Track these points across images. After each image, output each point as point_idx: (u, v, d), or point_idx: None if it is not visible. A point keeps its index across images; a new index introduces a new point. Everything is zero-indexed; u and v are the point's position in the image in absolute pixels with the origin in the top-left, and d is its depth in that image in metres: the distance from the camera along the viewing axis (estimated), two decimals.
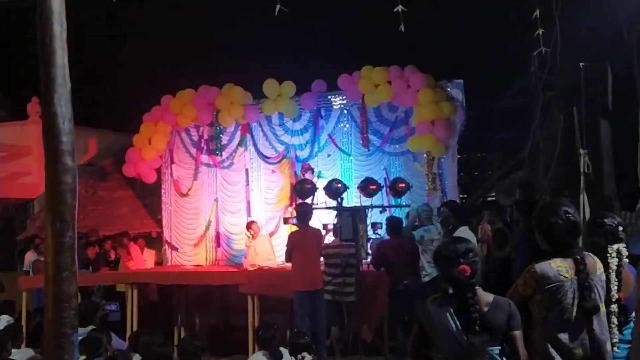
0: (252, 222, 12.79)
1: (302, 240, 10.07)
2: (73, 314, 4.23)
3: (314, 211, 10.76)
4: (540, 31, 7.66)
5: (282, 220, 12.80)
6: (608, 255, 4.56)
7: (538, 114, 9.59)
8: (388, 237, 10.43)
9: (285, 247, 10.38)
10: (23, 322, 11.46)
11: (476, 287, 4.00)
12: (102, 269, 12.79)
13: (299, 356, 5.95)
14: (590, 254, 4.39)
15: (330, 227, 11.18)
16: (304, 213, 10.36)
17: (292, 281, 10.04)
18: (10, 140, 17.46)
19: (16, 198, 17.53)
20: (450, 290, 4.05)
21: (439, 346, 4.05)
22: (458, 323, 3.93)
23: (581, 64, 8.78)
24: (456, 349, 3.92)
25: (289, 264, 10.46)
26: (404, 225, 10.58)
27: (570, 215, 4.24)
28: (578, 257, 4.19)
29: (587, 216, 7.95)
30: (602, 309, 4.19)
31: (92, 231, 14.18)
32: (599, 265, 4.30)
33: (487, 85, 14.82)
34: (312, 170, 12.97)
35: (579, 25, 9.06)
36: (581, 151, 8.43)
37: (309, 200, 11.33)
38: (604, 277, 4.30)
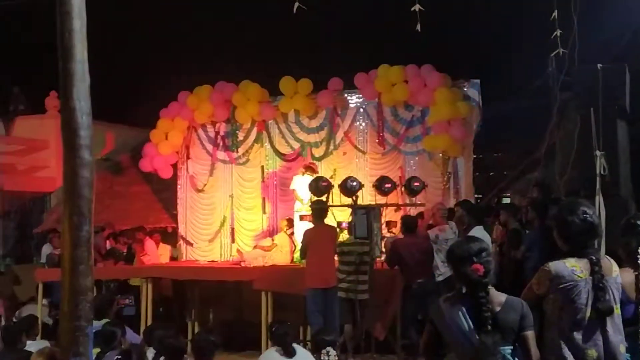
0: (291, 218, 12.77)
1: (317, 238, 10.09)
2: (88, 307, 4.26)
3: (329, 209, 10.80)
4: (558, 32, 7.64)
5: (298, 217, 12.80)
6: (638, 257, 4.54)
7: (555, 114, 9.56)
8: (402, 236, 10.44)
9: (300, 244, 10.40)
10: (39, 315, 11.55)
11: (489, 287, 4.01)
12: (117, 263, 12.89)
13: (324, 351, 5.96)
14: (607, 256, 4.38)
15: (345, 225, 11.20)
16: (319, 210, 10.38)
17: (306, 278, 10.07)
18: (29, 133, 17.58)
19: (33, 191, 17.65)
20: (464, 290, 4.06)
21: (452, 345, 4.06)
22: (470, 322, 3.93)
23: (599, 65, 8.74)
24: (468, 348, 3.93)
25: (303, 261, 10.51)
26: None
27: (587, 215, 4.23)
28: (593, 257, 4.18)
29: (603, 218, 7.93)
30: (617, 311, 4.18)
31: (107, 224, 14.27)
32: (615, 268, 4.28)
33: (503, 85, 14.78)
34: (313, 169, 12.90)
35: (597, 26, 9.03)
36: (597, 152, 8.38)
37: (324, 198, 11.35)
38: (619, 280, 4.28)
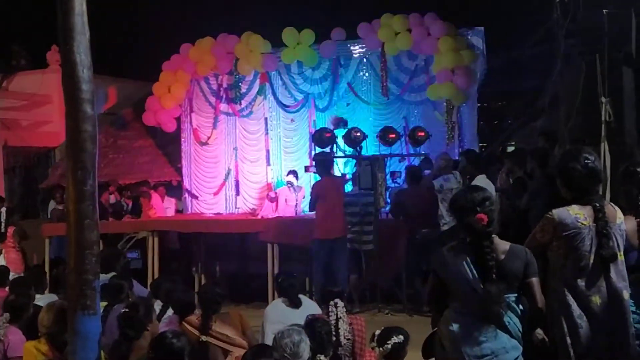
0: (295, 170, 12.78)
1: (324, 189, 10.10)
2: (95, 260, 4.30)
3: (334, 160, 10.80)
4: None
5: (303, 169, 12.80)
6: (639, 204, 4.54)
7: (559, 62, 9.46)
8: (407, 186, 10.46)
9: (310, 197, 10.43)
10: (47, 269, 11.64)
11: (493, 236, 4.01)
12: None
13: (332, 303, 5.99)
14: (611, 203, 4.37)
15: (349, 176, 11.22)
16: (323, 162, 10.37)
17: (314, 229, 10.11)
18: (31, 88, 17.52)
19: (38, 147, 17.67)
20: (468, 239, 4.06)
21: (456, 294, 4.08)
22: (475, 271, 3.94)
23: (604, 10, 8.63)
24: (473, 297, 3.94)
25: (309, 213, 10.55)
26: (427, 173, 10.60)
27: (589, 161, 4.21)
28: (597, 204, 4.17)
29: (609, 165, 7.91)
30: (620, 257, 4.19)
31: (112, 181, 14.30)
32: (619, 215, 4.27)
33: (508, 33, 14.63)
34: (345, 122, 12.85)
35: None
36: (603, 99, 8.33)
37: (327, 149, 11.35)
38: (623, 227, 4.26)
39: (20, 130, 17.27)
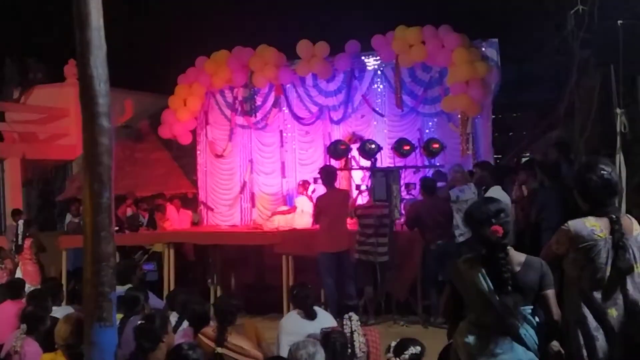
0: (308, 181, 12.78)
1: (329, 202, 10.12)
2: (111, 273, 4.32)
3: (350, 172, 10.79)
4: None
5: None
6: None
7: (574, 73, 9.45)
8: (421, 198, 10.45)
9: (313, 210, 10.45)
10: (63, 281, 11.70)
11: (508, 247, 4.00)
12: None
13: (346, 316, 6.00)
14: (628, 215, 4.35)
15: (363, 188, 11.23)
16: (328, 174, 10.37)
17: (319, 242, 10.12)
18: (49, 102, 17.66)
19: (55, 160, 17.76)
20: (483, 251, 4.05)
21: (472, 306, 4.07)
22: (490, 283, 3.93)
23: (619, 21, 8.62)
24: (489, 309, 3.93)
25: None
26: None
27: (605, 172, 4.19)
28: (613, 216, 4.15)
29: (624, 176, 7.88)
30: (637, 269, 4.16)
31: (129, 193, 14.36)
32: (636, 226, 4.24)
33: (522, 44, 14.60)
34: (362, 138, 12.86)
35: None
36: (618, 110, 8.29)
37: (342, 161, 11.37)
38: None
39: (38, 144, 17.39)
